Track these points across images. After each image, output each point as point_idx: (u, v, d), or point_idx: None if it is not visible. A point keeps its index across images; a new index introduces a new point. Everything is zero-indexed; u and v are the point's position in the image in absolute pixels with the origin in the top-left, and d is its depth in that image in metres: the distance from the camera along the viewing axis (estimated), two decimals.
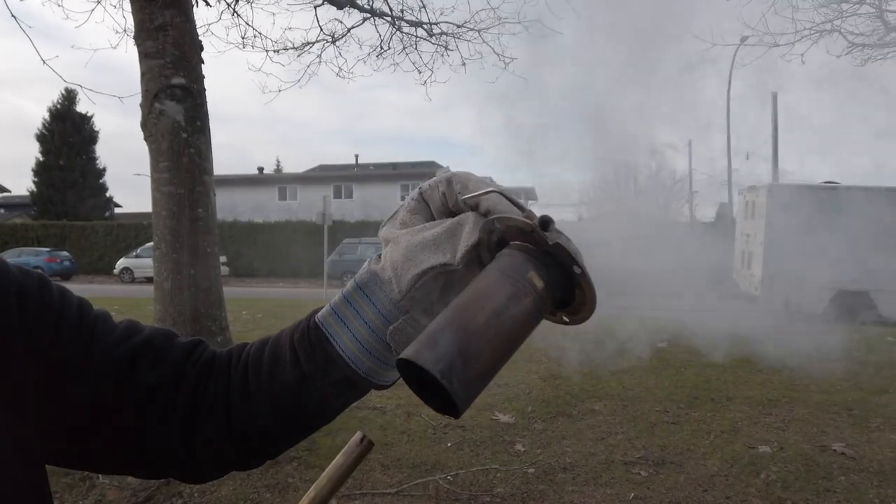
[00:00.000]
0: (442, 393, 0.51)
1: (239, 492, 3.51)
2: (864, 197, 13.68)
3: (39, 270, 0.68)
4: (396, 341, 0.62)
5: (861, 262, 13.38)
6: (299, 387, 0.65)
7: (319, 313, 0.65)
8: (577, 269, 0.56)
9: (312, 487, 0.75)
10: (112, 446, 0.65)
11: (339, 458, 0.74)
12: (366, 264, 0.65)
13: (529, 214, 0.56)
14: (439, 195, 0.62)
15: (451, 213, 0.62)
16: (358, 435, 0.74)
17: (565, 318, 0.60)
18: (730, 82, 20.65)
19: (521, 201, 0.59)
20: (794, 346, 7.76)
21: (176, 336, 0.72)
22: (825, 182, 14.99)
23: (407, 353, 0.52)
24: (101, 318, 0.68)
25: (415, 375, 0.54)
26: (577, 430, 4.66)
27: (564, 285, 0.57)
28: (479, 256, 0.59)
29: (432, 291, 0.61)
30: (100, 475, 3.61)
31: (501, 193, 0.58)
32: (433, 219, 0.64)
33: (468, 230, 0.58)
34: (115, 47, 6.36)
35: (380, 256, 0.64)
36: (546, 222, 0.55)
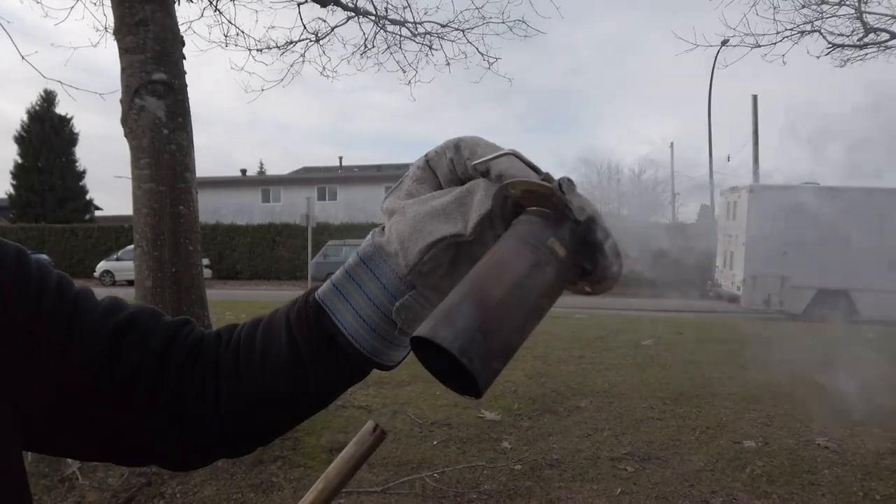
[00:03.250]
0: (461, 372, 0.48)
1: (222, 492, 3.46)
2: (844, 197, 13.85)
3: (18, 244, 0.64)
4: (403, 318, 0.59)
5: (841, 262, 13.56)
6: (294, 368, 0.61)
7: (319, 290, 0.61)
8: (600, 235, 0.51)
9: (321, 478, 0.71)
10: (93, 430, 0.61)
11: (349, 448, 0.70)
12: (369, 237, 0.61)
13: (547, 177, 0.52)
14: (447, 162, 0.59)
15: (460, 181, 0.59)
16: (370, 424, 0.70)
17: (587, 289, 0.55)
18: (711, 83, 20.87)
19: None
20: (777, 343, 7.84)
21: (162, 315, 0.68)
22: (805, 183, 15.15)
23: (422, 331, 0.48)
24: (83, 294, 0.64)
25: (429, 354, 0.50)
26: (563, 426, 4.66)
27: (588, 252, 0.53)
28: (493, 226, 0.55)
29: (441, 265, 0.58)
30: (79, 477, 3.54)
31: (515, 155, 0.54)
32: (441, 188, 0.60)
33: (479, 198, 0.55)
34: (95, 45, 6.26)
35: (384, 229, 0.61)
36: (567, 185, 0.51)
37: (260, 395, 0.63)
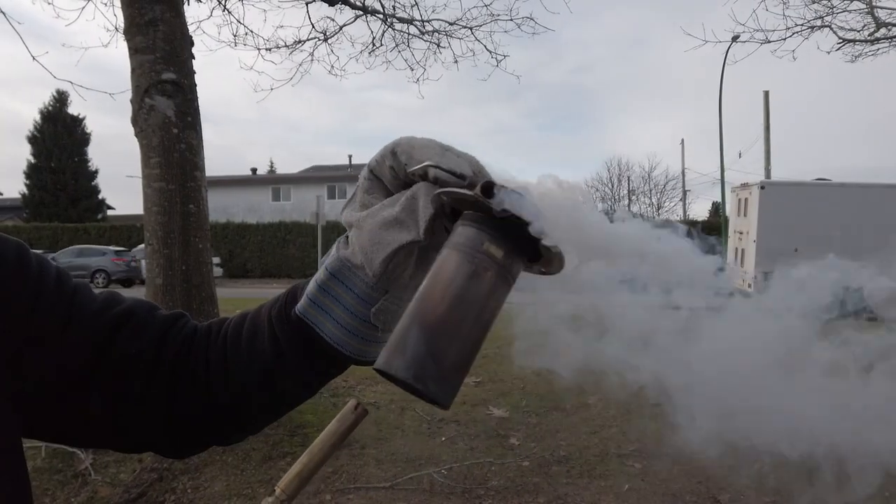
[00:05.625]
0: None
1: (232, 487, 3.50)
2: (855, 193, 13.74)
3: (18, 239, 0.66)
4: (382, 321, 0.61)
5: (854, 259, 13.43)
6: (277, 364, 0.64)
7: (299, 305, 0.63)
8: (531, 231, 0.52)
9: (305, 453, 0.74)
10: (90, 419, 0.64)
11: (332, 425, 0.73)
12: (333, 250, 0.63)
13: (472, 182, 0.54)
14: (388, 169, 0.61)
15: (405, 185, 0.60)
16: (352, 402, 0.73)
17: (543, 270, 0.58)
18: (722, 79, 20.73)
19: (464, 165, 0.57)
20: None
21: (157, 308, 0.71)
22: (817, 179, 15.03)
23: (379, 363, 0.52)
24: (81, 288, 0.67)
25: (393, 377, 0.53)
26: (570, 423, 4.66)
27: (526, 246, 0.54)
28: (444, 225, 0.58)
29: (407, 268, 0.60)
30: (92, 472, 3.59)
31: (437, 166, 0.56)
32: (390, 194, 0.62)
33: (423, 203, 0.57)
34: (105, 45, 6.32)
35: (347, 239, 0.63)
36: (488, 189, 0.52)
37: (246, 387, 0.65)
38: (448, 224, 0.57)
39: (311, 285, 0.63)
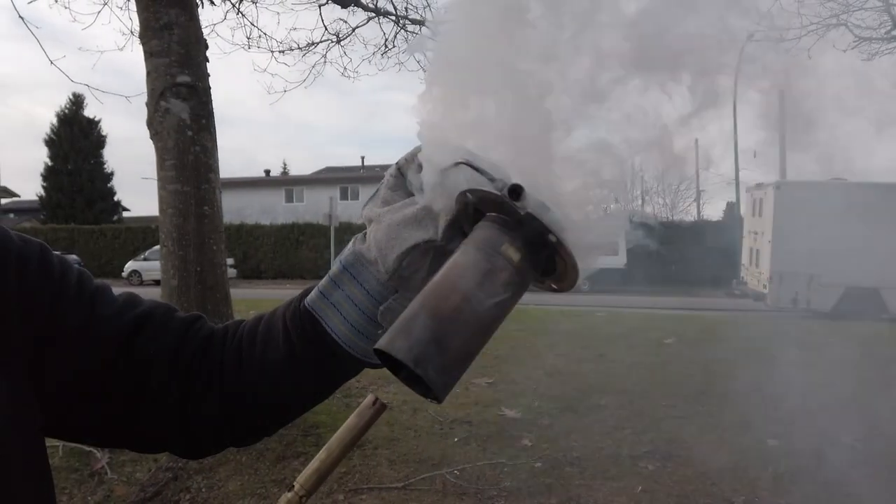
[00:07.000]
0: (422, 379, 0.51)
1: (246, 486, 3.52)
2: (872, 193, 13.56)
3: (41, 240, 0.68)
4: (388, 321, 0.61)
5: (870, 259, 13.26)
6: (291, 367, 0.65)
7: (308, 297, 0.64)
8: (552, 238, 0.53)
9: (324, 448, 0.75)
10: (110, 418, 0.65)
11: (351, 420, 0.74)
12: (350, 244, 0.64)
13: (500, 184, 0.54)
14: (416, 167, 0.61)
15: None
16: (370, 397, 0.74)
17: (553, 286, 0.58)
18: (736, 79, 20.54)
19: (493, 170, 0.57)
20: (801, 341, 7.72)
21: (176, 310, 0.72)
22: (833, 179, 14.84)
23: (381, 343, 0.52)
24: (101, 289, 0.68)
25: (394, 362, 0.53)
26: (583, 424, 4.65)
27: (543, 255, 0.55)
28: (461, 229, 0.58)
29: (420, 269, 0.60)
30: (108, 471, 3.63)
31: (469, 164, 0.57)
32: (413, 194, 0.62)
33: (445, 204, 0.57)
34: (121, 49, 6.38)
35: (365, 235, 0.64)
36: (516, 191, 0.52)
37: (260, 389, 0.66)
38: (468, 229, 0.57)
39: (325, 278, 0.64)
